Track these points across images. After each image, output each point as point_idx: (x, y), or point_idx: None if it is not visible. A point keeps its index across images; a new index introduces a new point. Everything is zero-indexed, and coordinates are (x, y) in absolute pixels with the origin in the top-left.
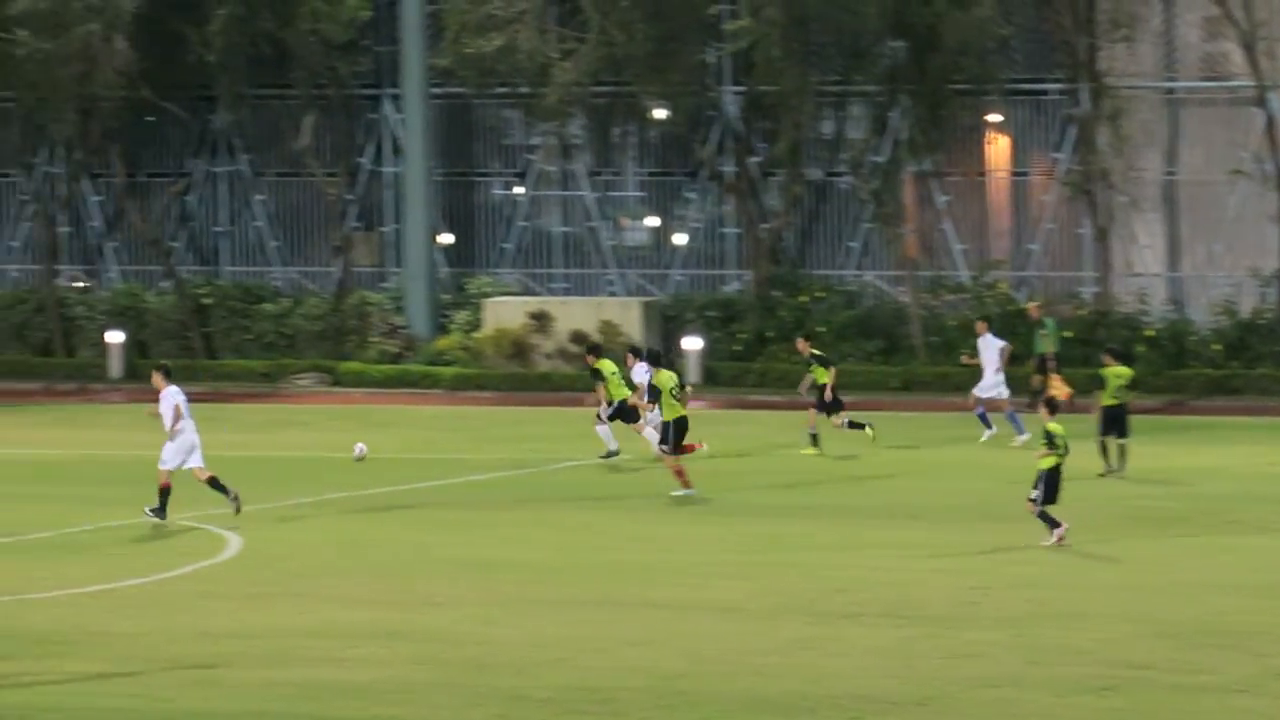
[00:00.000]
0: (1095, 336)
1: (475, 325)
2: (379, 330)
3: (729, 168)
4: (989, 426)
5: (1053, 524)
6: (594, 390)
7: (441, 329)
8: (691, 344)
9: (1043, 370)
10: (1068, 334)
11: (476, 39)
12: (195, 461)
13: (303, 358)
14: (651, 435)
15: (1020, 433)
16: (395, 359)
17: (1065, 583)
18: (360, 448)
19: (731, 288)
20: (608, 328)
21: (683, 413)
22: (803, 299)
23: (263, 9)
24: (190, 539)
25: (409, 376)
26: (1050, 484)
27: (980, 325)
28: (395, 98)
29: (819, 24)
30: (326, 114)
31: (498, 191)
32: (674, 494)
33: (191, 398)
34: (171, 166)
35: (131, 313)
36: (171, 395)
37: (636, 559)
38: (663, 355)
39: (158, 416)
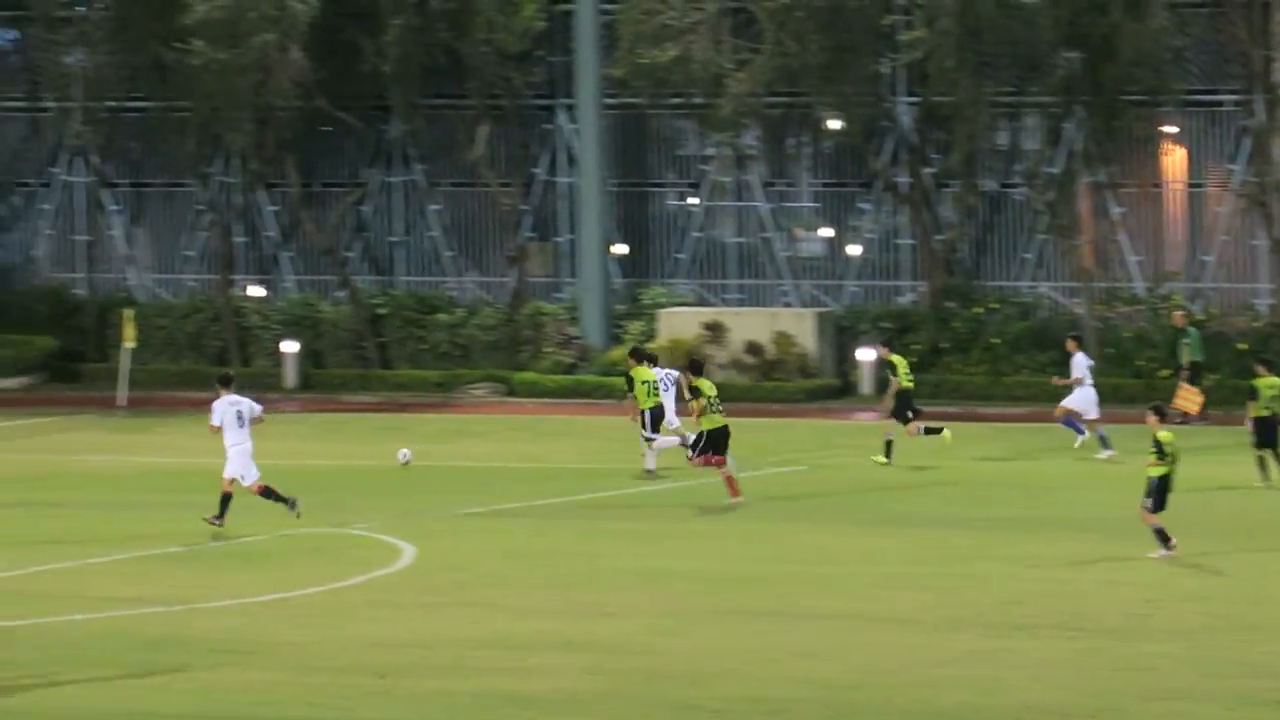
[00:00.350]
0: (1270, 349)
1: (649, 336)
2: (553, 340)
3: (903, 179)
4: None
5: (1163, 539)
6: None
7: (616, 339)
8: (865, 355)
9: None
10: (1242, 346)
11: (651, 49)
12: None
13: (477, 368)
14: (667, 442)
15: (1080, 433)
16: (569, 369)
17: (1238, 595)
18: (405, 454)
19: (906, 299)
20: (782, 339)
21: (723, 423)
22: (977, 310)
23: (438, 20)
24: (364, 549)
25: (583, 387)
26: (1159, 492)
27: (1071, 344)
28: (570, 108)
29: (993, 34)
30: (501, 124)
31: (672, 202)
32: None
33: (366, 408)
34: (346, 176)
35: (307, 322)
36: (222, 404)
37: (809, 570)
38: (703, 365)
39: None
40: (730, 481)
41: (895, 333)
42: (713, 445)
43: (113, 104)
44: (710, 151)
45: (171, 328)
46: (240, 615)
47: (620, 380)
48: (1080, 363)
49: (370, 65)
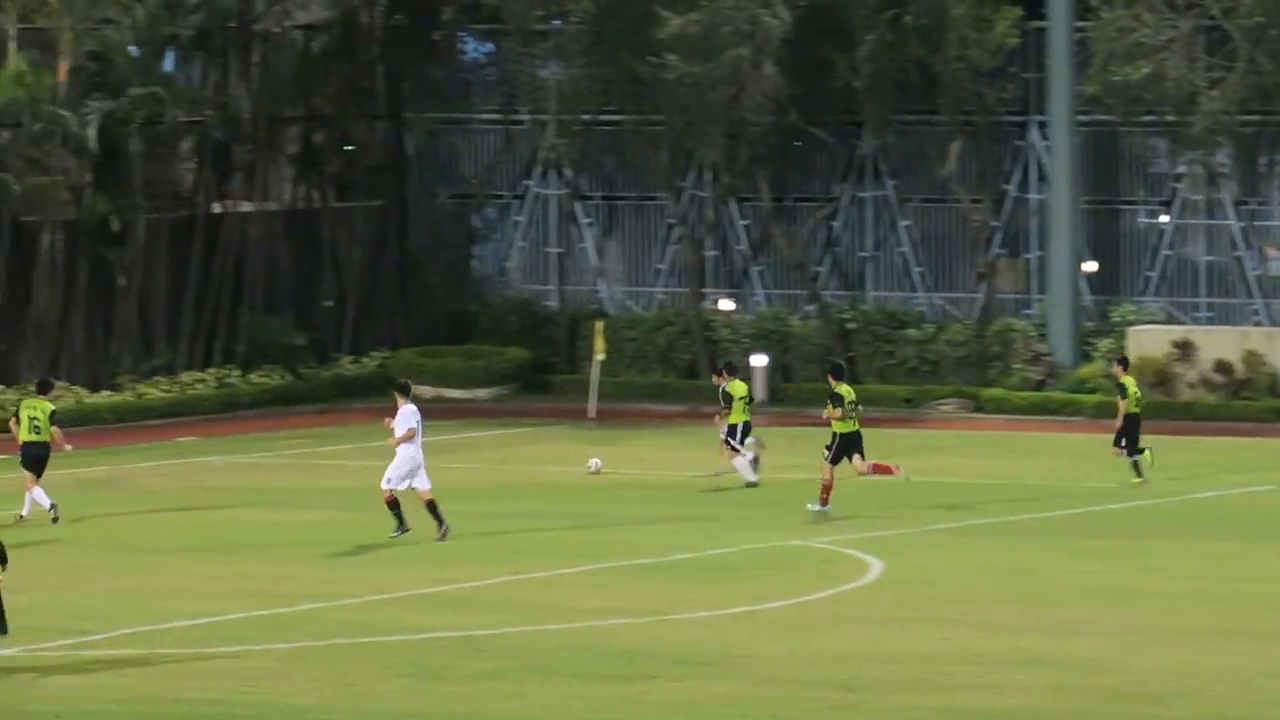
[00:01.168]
0: None
1: (1119, 353)
2: (1022, 357)
3: None
4: None
5: None
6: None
7: (1084, 356)
8: None
9: None
10: None
11: (1124, 67)
12: (421, 483)
13: (945, 384)
14: (741, 464)
15: None
16: (1038, 386)
17: None
18: (595, 462)
19: None
20: (1251, 358)
21: (854, 428)
22: None
23: (911, 35)
24: (831, 562)
25: (1051, 404)
26: None
27: None
28: (1042, 124)
29: None
30: (972, 140)
31: (1143, 219)
32: (809, 507)
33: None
34: (818, 191)
35: (776, 336)
36: (409, 412)
37: (1277, 590)
38: (844, 369)
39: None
40: (826, 488)
41: None
42: (844, 449)
43: (586, 117)
44: (1182, 169)
45: (641, 340)
46: (708, 627)
47: (1086, 398)
48: None
49: (843, 80)
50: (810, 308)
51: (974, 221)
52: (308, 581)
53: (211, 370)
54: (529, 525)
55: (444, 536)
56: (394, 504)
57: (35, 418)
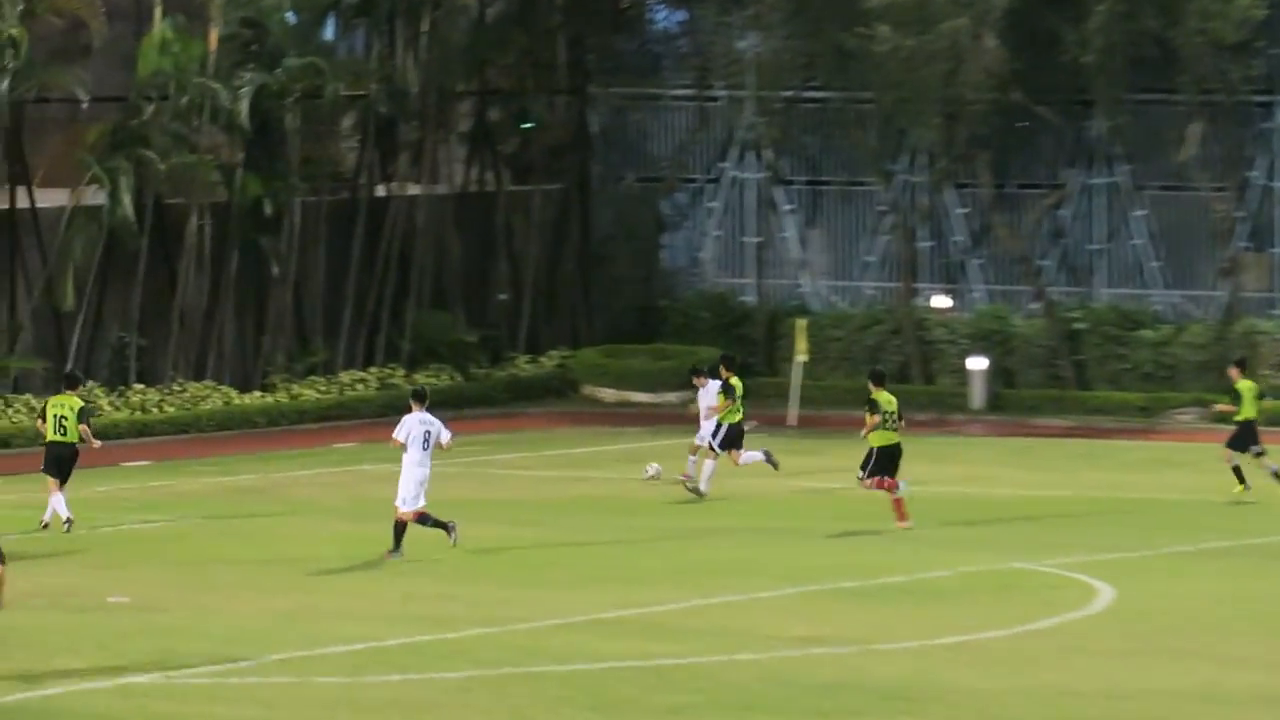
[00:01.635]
0: None
1: None
2: (1270, 362)
3: None
4: None
5: None
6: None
7: None
8: None
9: None
10: None
11: None
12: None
13: (1184, 391)
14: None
15: None
16: None
17: None
18: (654, 468)
19: None
20: None
21: (895, 440)
22: None
23: (1146, 6)
24: (1055, 588)
25: None
26: None
27: None
28: None
29: None
30: (1214, 121)
31: None
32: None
33: (1060, 432)
34: (1043, 177)
35: (996, 337)
36: (412, 420)
37: None
38: (885, 375)
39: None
40: (898, 505)
41: None
42: (883, 464)
43: (788, 94)
44: None
45: (848, 340)
46: (918, 658)
47: None
48: None
49: (1071, 55)
50: (1034, 305)
51: (1216, 211)
52: (477, 603)
53: (373, 369)
54: (721, 543)
55: (391, 556)
56: (426, 518)
57: (63, 416)
